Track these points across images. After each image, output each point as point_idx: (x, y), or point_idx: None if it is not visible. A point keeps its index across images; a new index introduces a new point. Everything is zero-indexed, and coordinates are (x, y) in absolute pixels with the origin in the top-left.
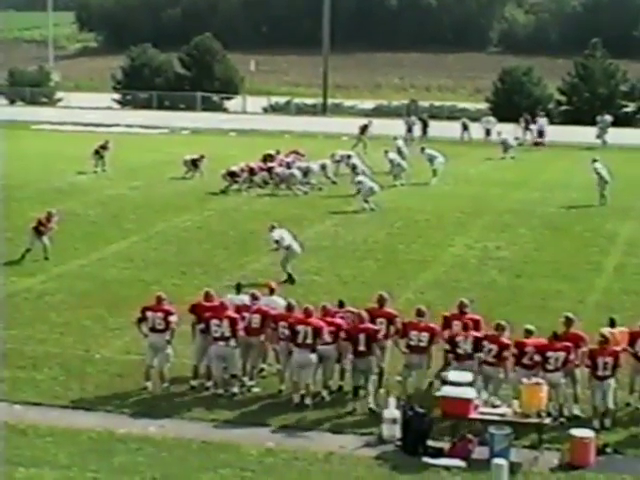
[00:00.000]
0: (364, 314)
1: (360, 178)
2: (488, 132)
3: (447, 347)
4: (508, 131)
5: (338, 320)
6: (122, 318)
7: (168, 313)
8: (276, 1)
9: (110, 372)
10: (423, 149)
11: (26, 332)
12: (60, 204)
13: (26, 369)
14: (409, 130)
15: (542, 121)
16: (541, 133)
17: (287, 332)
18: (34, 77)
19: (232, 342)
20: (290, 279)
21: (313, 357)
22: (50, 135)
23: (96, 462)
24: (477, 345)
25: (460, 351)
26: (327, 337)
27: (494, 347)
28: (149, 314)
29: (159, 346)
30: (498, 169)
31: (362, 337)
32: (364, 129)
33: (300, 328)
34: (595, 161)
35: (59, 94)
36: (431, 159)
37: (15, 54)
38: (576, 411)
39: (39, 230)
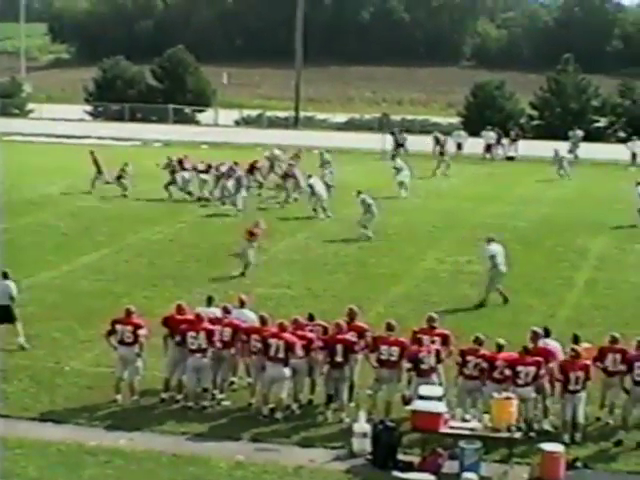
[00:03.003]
0: (343, 324)
1: (311, 181)
2: (459, 146)
3: (409, 365)
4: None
5: (309, 334)
6: (92, 330)
7: (137, 326)
8: (249, 14)
9: (80, 384)
10: (394, 156)
11: None
12: (31, 215)
13: None
14: (400, 145)
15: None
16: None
17: (260, 346)
18: (5, 88)
19: (209, 354)
20: (504, 299)
21: (286, 371)
22: (21, 147)
23: (65, 475)
24: (439, 359)
25: (425, 366)
26: (299, 351)
27: (477, 360)
28: (118, 327)
29: (129, 359)
30: (470, 183)
31: (339, 347)
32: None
33: (273, 342)
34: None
35: (31, 105)
36: (398, 170)
37: None
38: (546, 426)
39: None
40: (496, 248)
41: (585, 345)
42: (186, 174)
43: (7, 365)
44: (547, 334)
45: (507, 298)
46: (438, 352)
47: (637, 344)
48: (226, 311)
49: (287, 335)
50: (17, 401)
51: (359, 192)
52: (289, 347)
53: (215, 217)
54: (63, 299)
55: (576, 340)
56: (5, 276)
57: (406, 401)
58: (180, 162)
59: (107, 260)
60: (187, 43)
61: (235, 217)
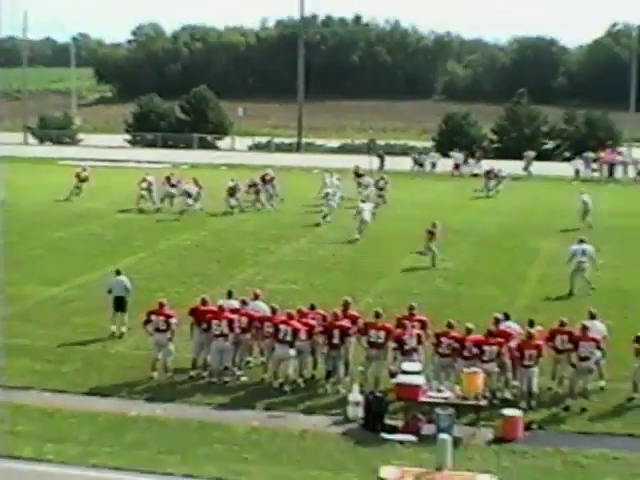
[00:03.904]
0: (339, 313)
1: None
2: (434, 165)
3: (395, 345)
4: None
5: (311, 321)
6: (132, 320)
7: (169, 316)
8: (259, 59)
9: (123, 364)
10: (382, 178)
11: (53, 332)
12: (81, 226)
13: (53, 363)
14: (420, 165)
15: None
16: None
17: (271, 330)
18: (60, 122)
19: (230, 338)
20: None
21: (292, 351)
22: (73, 170)
23: (111, 439)
24: (420, 341)
25: (407, 347)
26: (303, 335)
27: (449, 341)
28: (153, 317)
29: (162, 343)
30: (442, 196)
31: (336, 332)
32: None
33: (282, 327)
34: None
35: (80, 136)
36: (366, 186)
37: (44, 103)
38: (507, 395)
39: None
40: (578, 248)
41: (538, 328)
42: (173, 190)
43: (63, 349)
44: (507, 318)
45: (572, 292)
46: (419, 335)
47: (581, 327)
48: (244, 303)
49: (294, 322)
50: (71, 379)
51: (363, 201)
52: (295, 332)
53: (233, 226)
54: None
55: (531, 324)
56: (118, 273)
57: (392, 374)
58: (168, 179)
59: (144, 262)
60: (208, 83)
61: (251, 227)
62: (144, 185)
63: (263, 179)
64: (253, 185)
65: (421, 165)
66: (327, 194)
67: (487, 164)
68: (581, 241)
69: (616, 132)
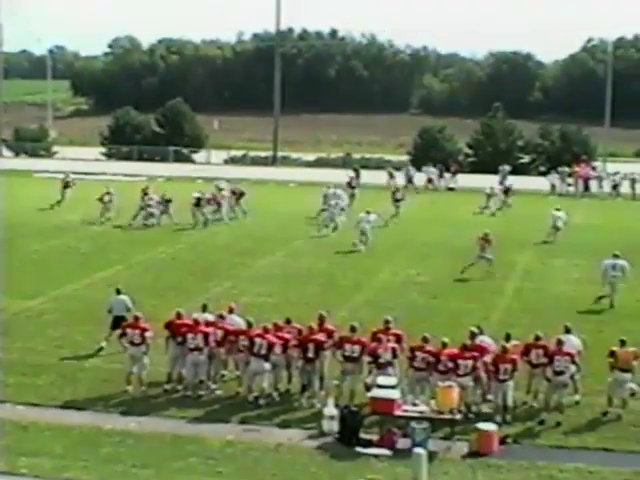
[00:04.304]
0: (314, 327)
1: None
2: (409, 179)
3: (369, 359)
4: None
5: (286, 335)
6: (108, 333)
7: (144, 330)
8: (235, 72)
9: (98, 378)
10: (398, 190)
11: (28, 345)
12: (57, 239)
13: (28, 375)
14: (409, 181)
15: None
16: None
17: (246, 344)
18: (35, 134)
19: (205, 352)
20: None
21: (267, 365)
22: (48, 182)
23: (86, 452)
24: (395, 355)
25: (382, 360)
26: (278, 349)
27: (424, 355)
28: (129, 330)
29: (137, 356)
30: (418, 209)
31: (311, 346)
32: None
33: (257, 341)
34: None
35: (56, 148)
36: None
37: (20, 115)
38: (484, 409)
39: None
40: (611, 262)
41: (514, 342)
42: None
43: (37, 362)
44: (481, 332)
45: (612, 304)
46: (394, 349)
47: (556, 341)
48: (221, 317)
49: (269, 336)
50: (46, 392)
51: (367, 211)
52: (270, 346)
53: (208, 239)
54: (83, 307)
55: (508, 338)
56: (119, 292)
57: (367, 388)
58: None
59: (120, 275)
60: (184, 96)
61: (227, 240)
62: (106, 198)
63: (233, 192)
64: (213, 198)
65: (410, 180)
66: (331, 205)
67: (464, 178)
68: (615, 256)
69: (591, 147)
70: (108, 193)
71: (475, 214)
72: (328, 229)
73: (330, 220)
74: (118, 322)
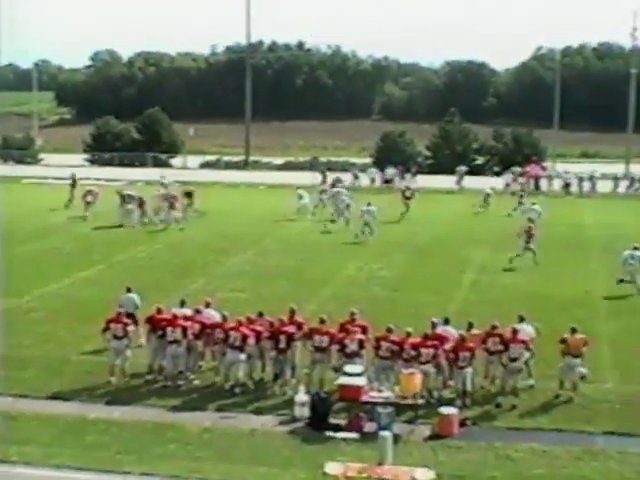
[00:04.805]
0: (284, 319)
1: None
2: (373, 180)
3: (338, 347)
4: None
5: (259, 327)
6: (91, 328)
7: (126, 324)
8: (209, 82)
9: (82, 370)
10: (408, 188)
11: (16, 340)
12: (42, 240)
13: (16, 369)
14: (387, 182)
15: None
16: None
17: (222, 337)
18: (22, 142)
19: (183, 344)
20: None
21: (242, 356)
22: (35, 187)
23: (72, 440)
24: (362, 345)
25: (348, 350)
26: (252, 341)
27: (389, 345)
28: (111, 325)
29: (120, 349)
30: (381, 209)
31: (282, 337)
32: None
33: (232, 334)
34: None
35: (41, 155)
36: (300, 197)
37: (7, 125)
38: (445, 394)
39: None
40: (630, 253)
41: (475, 331)
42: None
43: (25, 356)
44: (447, 322)
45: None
46: (361, 341)
47: (511, 330)
48: (197, 311)
49: (243, 328)
50: (33, 384)
51: (369, 203)
52: (244, 338)
53: (185, 239)
54: (67, 304)
55: (470, 327)
56: (129, 290)
57: (335, 370)
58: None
59: (102, 274)
60: (162, 105)
61: (202, 239)
62: (89, 199)
63: (187, 194)
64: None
65: (387, 181)
66: (348, 205)
67: (423, 179)
68: (635, 248)
69: (541, 148)
70: (90, 192)
71: (434, 211)
72: (367, 234)
73: (365, 225)
74: (130, 319)
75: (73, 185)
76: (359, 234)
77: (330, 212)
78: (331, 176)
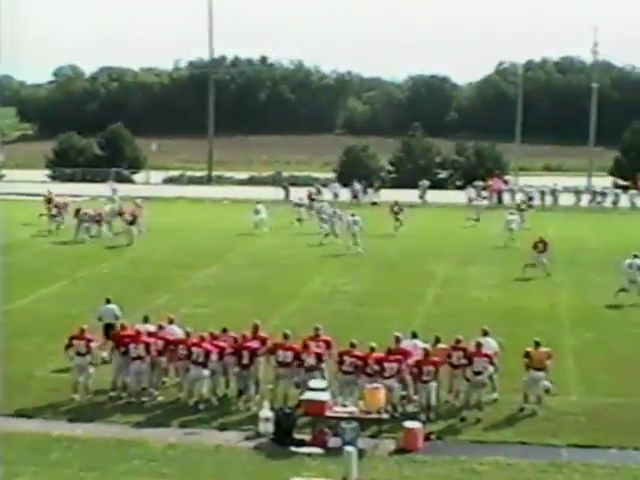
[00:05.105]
0: (247, 335)
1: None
2: (335, 195)
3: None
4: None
5: (222, 343)
6: (55, 344)
7: (89, 341)
8: (172, 97)
9: (46, 387)
10: (397, 204)
11: None
12: (7, 256)
13: None
14: (355, 197)
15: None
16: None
17: (185, 353)
18: None
19: (147, 360)
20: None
21: (205, 372)
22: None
23: (36, 458)
24: (320, 359)
25: (306, 365)
26: (214, 357)
27: (352, 360)
28: (75, 341)
29: (83, 366)
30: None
31: (245, 353)
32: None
33: (195, 350)
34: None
35: (3, 171)
36: (257, 212)
37: None
38: (409, 408)
39: None
40: (629, 262)
41: (442, 345)
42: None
43: None
44: (415, 336)
45: None
46: (318, 355)
47: (475, 344)
48: (160, 327)
49: (205, 344)
50: None
51: (353, 214)
52: (207, 354)
53: (149, 255)
54: (32, 320)
55: (437, 341)
56: (108, 301)
57: (297, 385)
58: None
59: (66, 289)
60: (124, 120)
61: (166, 255)
62: (54, 211)
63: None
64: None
65: (355, 196)
66: (356, 221)
67: (386, 193)
68: (635, 256)
69: (504, 162)
70: (56, 206)
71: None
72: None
73: (352, 236)
74: (108, 329)
75: (49, 201)
76: (350, 246)
77: (321, 227)
78: (296, 191)
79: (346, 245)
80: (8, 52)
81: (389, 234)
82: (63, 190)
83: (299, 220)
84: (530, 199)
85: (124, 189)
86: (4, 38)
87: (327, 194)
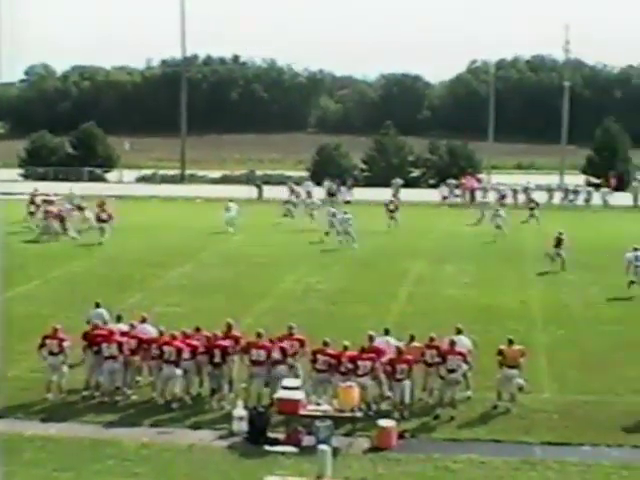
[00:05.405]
0: (219, 334)
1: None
2: (309, 194)
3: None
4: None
5: (195, 342)
6: (27, 344)
7: (62, 340)
8: (145, 95)
9: (19, 387)
10: (392, 202)
11: None
12: None
13: None
14: (331, 195)
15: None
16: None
17: (158, 352)
18: None
19: (120, 360)
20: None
21: (178, 371)
22: None
23: (9, 458)
24: (285, 354)
25: (273, 359)
26: (187, 355)
27: (325, 358)
28: (47, 341)
29: (56, 365)
30: (319, 221)
31: (217, 351)
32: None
33: (166, 349)
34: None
35: None
36: (227, 210)
37: None
38: (383, 406)
39: None
40: (632, 255)
41: (416, 344)
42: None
43: None
44: (387, 333)
45: None
46: (282, 349)
47: (449, 342)
48: (132, 326)
49: (177, 343)
50: None
51: (345, 212)
52: (178, 352)
53: (122, 254)
54: (4, 320)
55: (411, 339)
56: (98, 305)
57: (267, 383)
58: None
59: (38, 289)
60: (97, 119)
61: (139, 253)
62: (32, 209)
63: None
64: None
65: (331, 194)
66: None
67: (360, 192)
68: (635, 249)
69: (476, 160)
70: (32, 203)
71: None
72: (350, 243)
73: (345, 234)
74: None
75: (32, 202)
76: (343, 242)
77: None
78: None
79: (338, 241)
80: None
81: (364, 231)
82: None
83: (326, 233)
84: (502, 197)
85: (96, 188)
86: None
87: (301, 193)
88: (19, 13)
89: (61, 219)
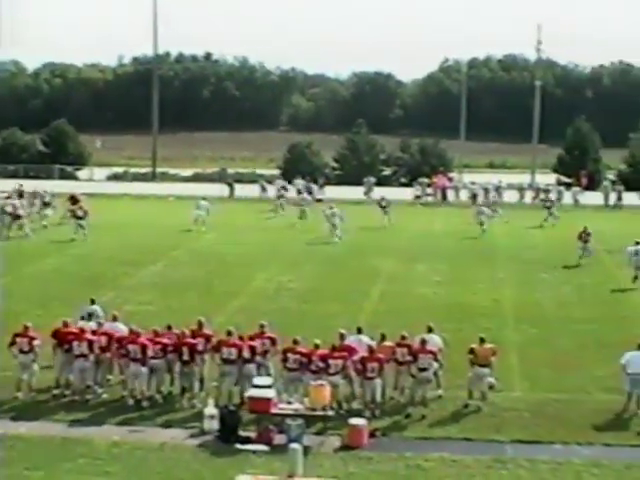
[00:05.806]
0: (187, 332)
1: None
2: (283, 189)
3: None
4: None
5: (164, 340)
6: None
7: (33, 338)
8: (116, 93)
9: None
10: (383, 199)
11: None
12: None
13: None
14: (309, 192)
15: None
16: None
17: (123, 350)
18: None
19: (90, 358)
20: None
21: (143, 369)
22: None
23: None
24: (254, 352)
25: (244, 357)
26: (152, 353)
27: (296, 357)
28: (18, 339)
29: (27, 364)
30: (290, 220)
31: (185, 349)
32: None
33: (131, 347)
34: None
35: None
36: (197, 207)
37: None
38: (354, 405)
39: None
40: (632, 249)
41: (388, 343)
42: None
43: None
44: (360, 332)
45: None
46: (251, 347)
47: (420, 340)
48: (99, 325)
49: (142, 340)
50: None
51: (331, 207)
52: (143, 350)
53: (94, 252)
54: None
55: (383, 338)
56: (93, 302)
57: (236, 383)
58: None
59: (9, 286)
60: (68, 117)
61: (111, 251)
62: (9, 209)
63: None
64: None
65: (310, 192)
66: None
67: (331, 190)
68: (637, 243)
69: (448, 159)
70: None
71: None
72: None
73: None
74: None
75: (20, 196)
76: (331, 236)
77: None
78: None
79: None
80: None
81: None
82: (5, 186)
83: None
84: (474, 196)
85: (67, 186)
86: None
87: (271, 191)
88: None
89: (16, 216)
